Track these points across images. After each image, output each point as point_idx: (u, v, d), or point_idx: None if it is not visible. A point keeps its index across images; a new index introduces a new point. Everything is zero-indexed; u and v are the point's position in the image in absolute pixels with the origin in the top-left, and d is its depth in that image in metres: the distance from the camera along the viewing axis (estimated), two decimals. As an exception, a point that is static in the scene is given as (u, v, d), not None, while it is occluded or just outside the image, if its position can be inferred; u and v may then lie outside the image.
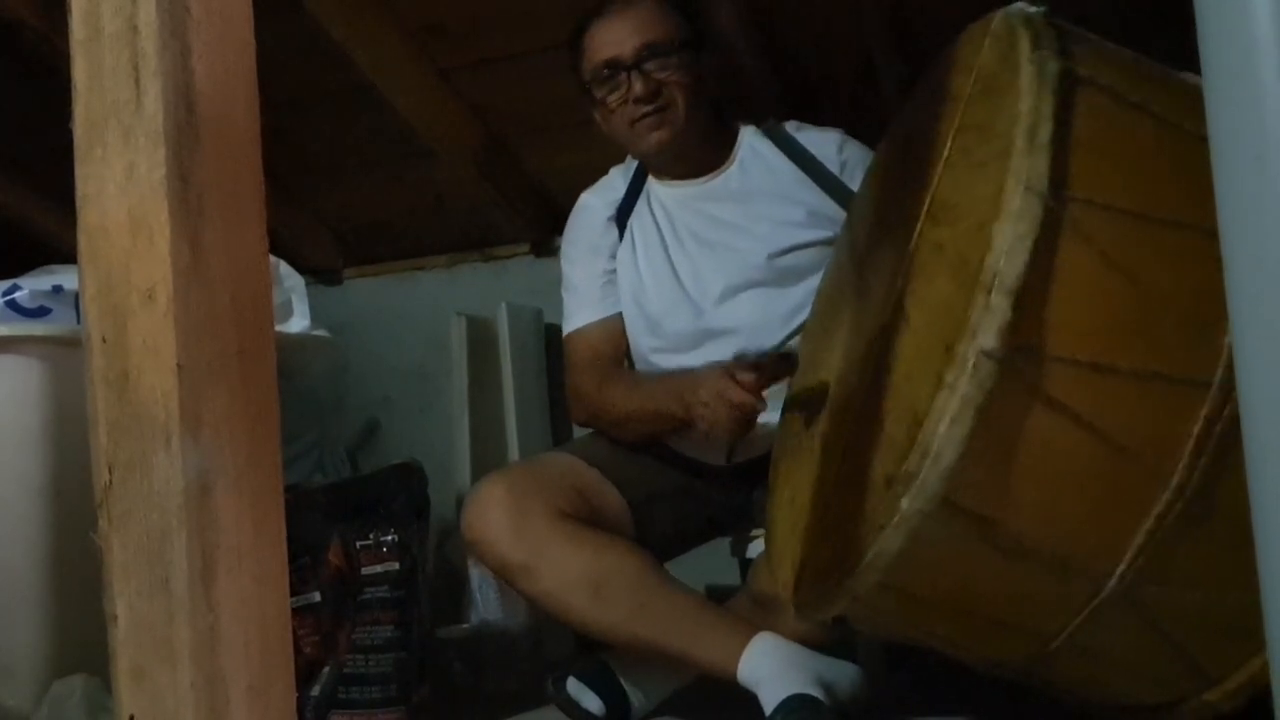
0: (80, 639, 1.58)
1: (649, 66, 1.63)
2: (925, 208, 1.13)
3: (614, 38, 1.65)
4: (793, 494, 1.33)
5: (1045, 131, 0.98)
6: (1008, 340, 0.94)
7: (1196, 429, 0.97)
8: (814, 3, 1.99)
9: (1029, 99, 1.01)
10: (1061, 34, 1.09)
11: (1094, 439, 0.97)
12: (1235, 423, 0.93)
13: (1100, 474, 0.99)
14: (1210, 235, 1.01)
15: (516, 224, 2.54)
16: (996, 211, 0.97)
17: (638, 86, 1.63)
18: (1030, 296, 0.94)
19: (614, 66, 1.64)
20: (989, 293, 0.94)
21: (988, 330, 0.94)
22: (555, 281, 1.88)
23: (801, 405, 1.39)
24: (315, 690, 1.64)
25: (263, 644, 0.64)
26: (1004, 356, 0.94)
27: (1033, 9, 1.13)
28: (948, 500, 0.97)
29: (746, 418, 1.46)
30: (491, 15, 2.08)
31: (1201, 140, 1.06)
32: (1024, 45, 1.06)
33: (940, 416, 0.95)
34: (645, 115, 1.64)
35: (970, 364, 0.94)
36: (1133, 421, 0.98)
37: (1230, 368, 0.94)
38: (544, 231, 2.52)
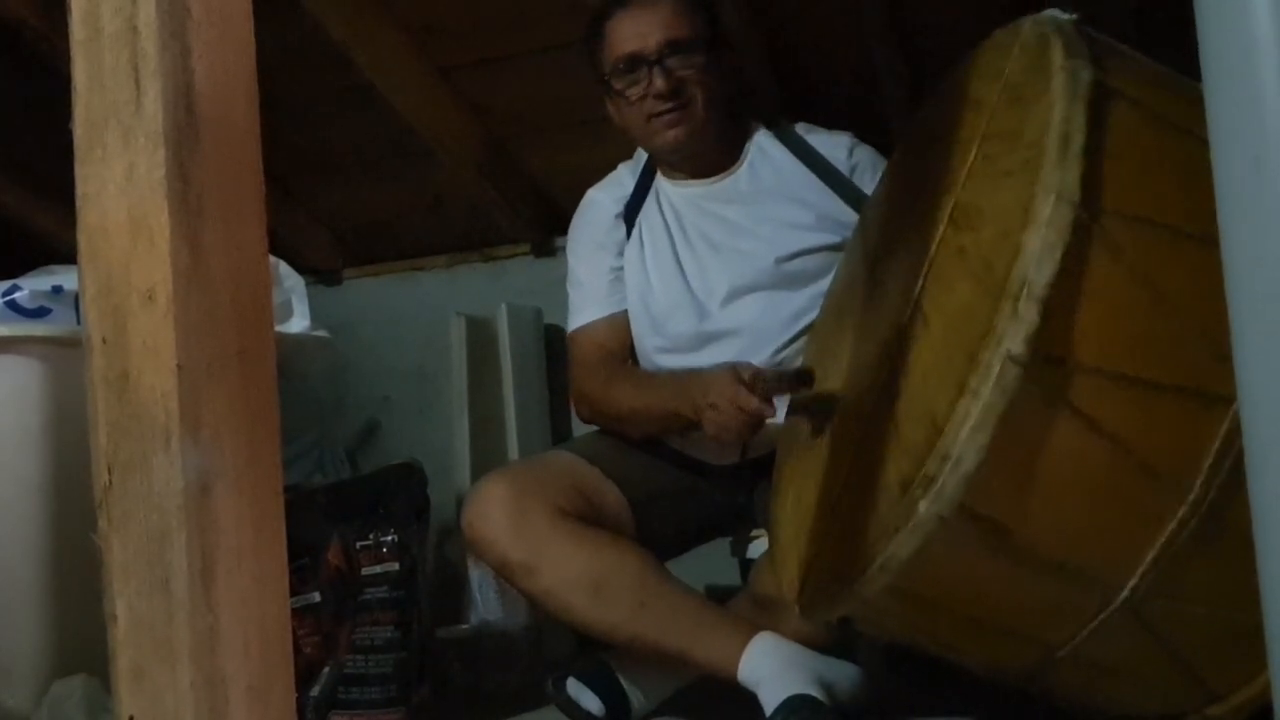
0: (80, 639, 1.58)
1: (671, 63, 1.62)
2: (947, 213, 1.13)
3: (638, 31, 1.64)
4: (799, 493, 1.33)
5: (1078, 141, 0.98)
6: (1034, 348, 0.93)
7: (1216, 445, 0.96)
8: (814, 3, 1.99)
9: (1062, 108, 1.00)
10: (1093, 43, 1.08)
11: (1115, 450, 0.97)
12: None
13: (1119, 485, 0.99)
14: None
15: (516, 224, 2.53)
16: (1025, 219, 0.96)
17: (659, 83, 1.62)
18: (1058, 305, 0.94)
19: (636, 60, 1.63)
20: (1017, 300, 0.94)
21: (1015, 337, 0.93)
22: (555, 282, 1.88)
23: (807, 411, 1.39)
24: (315, 690, 1.64)
25: (263, 644, 0.64)
26: (1029, 364, 0.93)
27: (1064, 16, 1.12)
28: (965, 506, 0.97)
29: (755, 423, 1.46)
30: (491, 15, 2.08)
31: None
32: (1056, 53, 1.05)
33: (962, 422, 0.95)
34: (664, 112, 1.64)
35: (995, 370, 0.94)
36: (1154, 435, 0.98)
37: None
38: (544, 232, 2.51)
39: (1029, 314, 0.93)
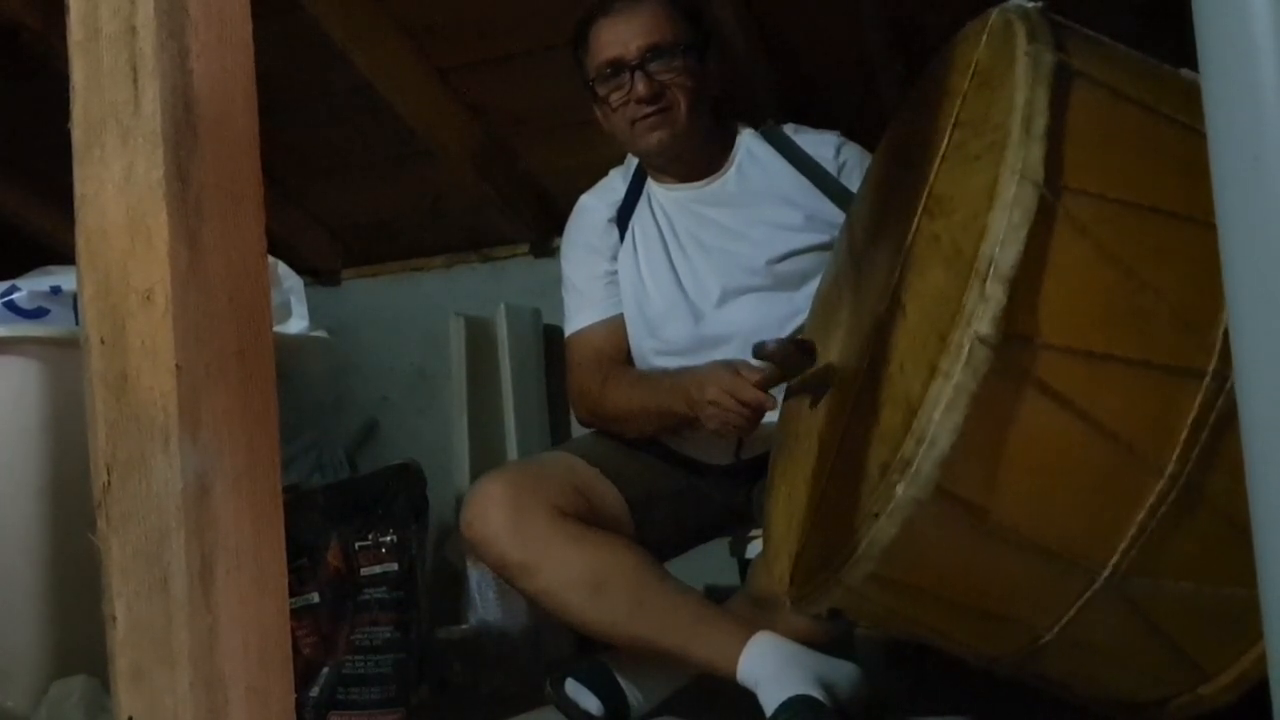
0: (79, 640, 1.58)
1: (652, 67, 1.63)
2: (922, 202, 1.14)
3: (619, 37, 1.65)
4: (790, 490, 1.33)
5: (1040, 122, 0.98)
6: (1002, 327, 0.94)
7: (1189, 419, 0.96)
8: (814, 3, 1.99)
9: (1024, 91, 1.01)
10: (1058, 28, 1.09)
11: (1087, 427, 0.97)
12: (1228, 414, 0.94)
13: (1093, 463, 0.99)
14: (1204, 226, 1.00)
15: (515, 224, 2.54)
16: (991, 201, 0.97)
17: (640, 87, 1.63)
18: (1025, 284, 0.94)
19: (618, 66, 1.65)
20: (984, 280, 0.94)
21: (983, 317, 0.94)
22: (554, 282, 1.88)
23: (805, 389, 1.39)
24: (314, 691, 1.64)
25: (261, 645, 0.64)
26: (999, 343, 0.94)
27: (1030, 3, 1.13)
28: (942, 488, 0.97)
29: (755, 414, 1.46)
30: (491, 15, 2.08)
31: (1195, 133, 1.06)
32: (1020, 39, 1.06)
33: (935, 404, 0.95)
34: (647, 115, 1.65)
35: (965, 351, 0.94)
36: (1126, 410, 0.98)
37: (1223, 358, 0.95)
38: (543, 232, 2.52)
39: (996, 294, 0.94)
